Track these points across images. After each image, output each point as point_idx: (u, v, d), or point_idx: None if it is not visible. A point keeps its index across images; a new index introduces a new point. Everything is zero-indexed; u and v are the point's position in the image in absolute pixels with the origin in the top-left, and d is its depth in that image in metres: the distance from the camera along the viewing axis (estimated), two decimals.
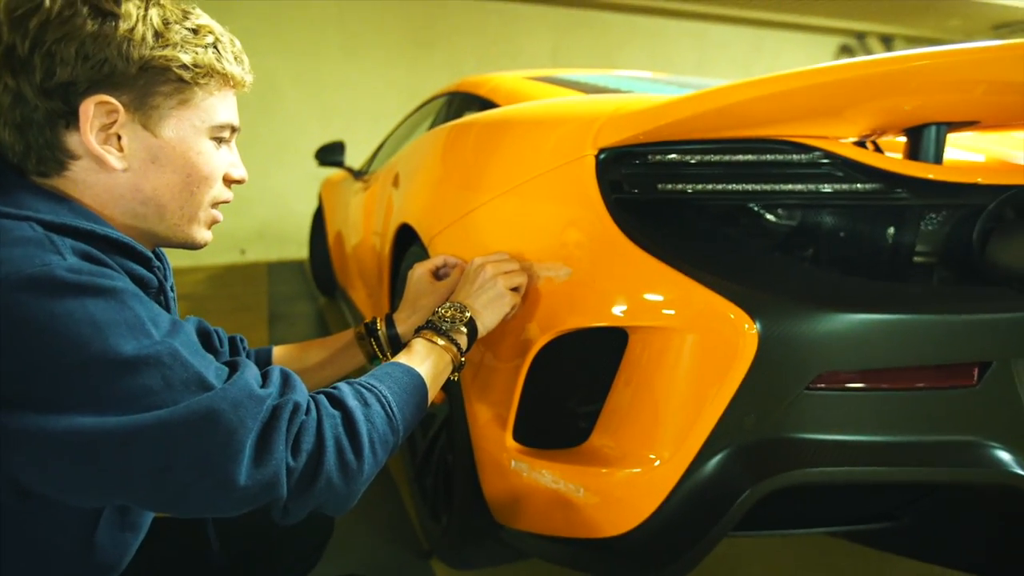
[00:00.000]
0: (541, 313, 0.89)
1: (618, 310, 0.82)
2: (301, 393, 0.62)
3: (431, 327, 0.83)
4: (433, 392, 0.78)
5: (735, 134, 0.85)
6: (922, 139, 0.85)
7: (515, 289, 0.90)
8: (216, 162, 0.69)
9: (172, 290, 0.72)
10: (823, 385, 0.80)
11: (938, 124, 0.85)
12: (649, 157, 0.86)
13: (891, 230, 0.86)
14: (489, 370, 0.98)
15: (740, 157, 0.85)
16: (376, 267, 1.86)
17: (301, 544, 0.95)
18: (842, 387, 0.81)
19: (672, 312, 0.80)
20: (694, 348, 0.79)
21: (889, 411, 0.82)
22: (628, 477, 0.84)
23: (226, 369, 0.60)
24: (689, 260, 0.81)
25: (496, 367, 0.96)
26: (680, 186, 0.84)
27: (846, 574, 1.33)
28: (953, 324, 0.79)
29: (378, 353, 0.98)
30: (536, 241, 0.91)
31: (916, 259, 0.86)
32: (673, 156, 0.86)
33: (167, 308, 0.69)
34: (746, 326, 0.77)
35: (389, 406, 0.68)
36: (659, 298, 0.80)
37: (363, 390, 0.68)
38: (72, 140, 0.60)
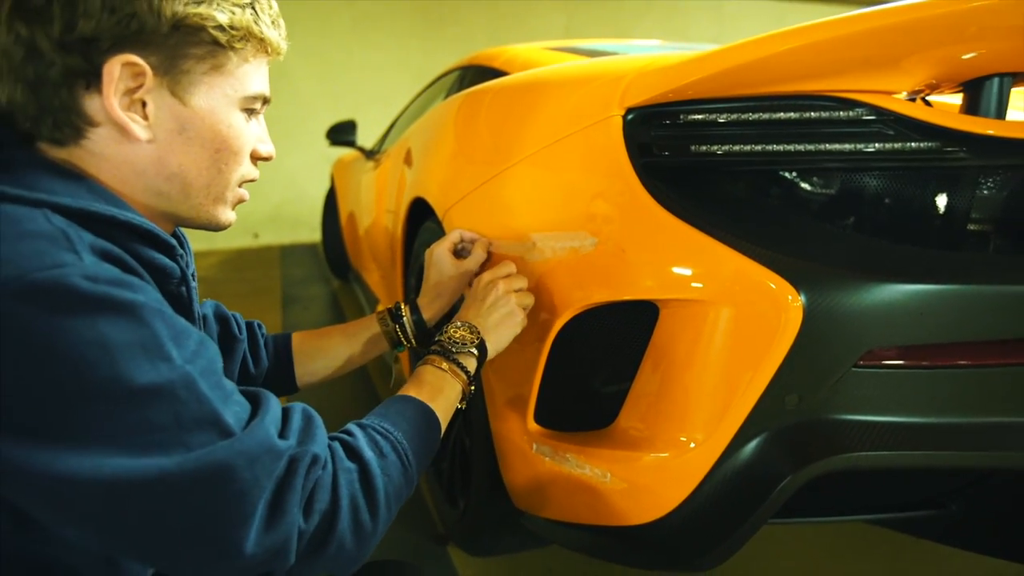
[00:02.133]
0: (564, 286, 0.83)
1: (648, 282, 0.76)
2: (320, 441, 0.56)
3: (441, 351, 0.77)
4: (444, 427, 0.73)
5: (775, 90, 0.77)
6: (982, 93, 0.78)
7: (524, 307, 0.86)
8: (246, 136, 0.62)
9: (193, 278, 0.66)
10: (873, 362, 0.74)
11: (1001, 76, 0.77)
12: (681, 117, 0.79)
13: (947, 193, 0.78)
14: (508, 348, 0.93)
15: (781, 115, 0.78)
16: (389, 246, 1.81)
17: None
18: (894, 364, 0.74)
19: (708, 283, 0.73)
20: (732, 322, 0.73)
21: (944, 390, 0.76)
22: (658, 462, 0.78)
23: (247, 407, 0.53)
24: (726, 227, 0.74)
25: (515, 345, 0.90)
26: (715, 147, 0.77)
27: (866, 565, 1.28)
28: (1016, 294, 0.72)
29: (403, 340, 0.94)
30: (558, 209, 0.85)
31: (974, 225, 0.78)
32: (707, 115, 0.79)
33: (189, 298, 0.62)
34: (790, 298, 0.70)
35: (405, 455, 0.63)
36: (693, 268, 0.74)
37: (378, 437, 0.62)
38: (92, 104, 0.53)
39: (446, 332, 0.79)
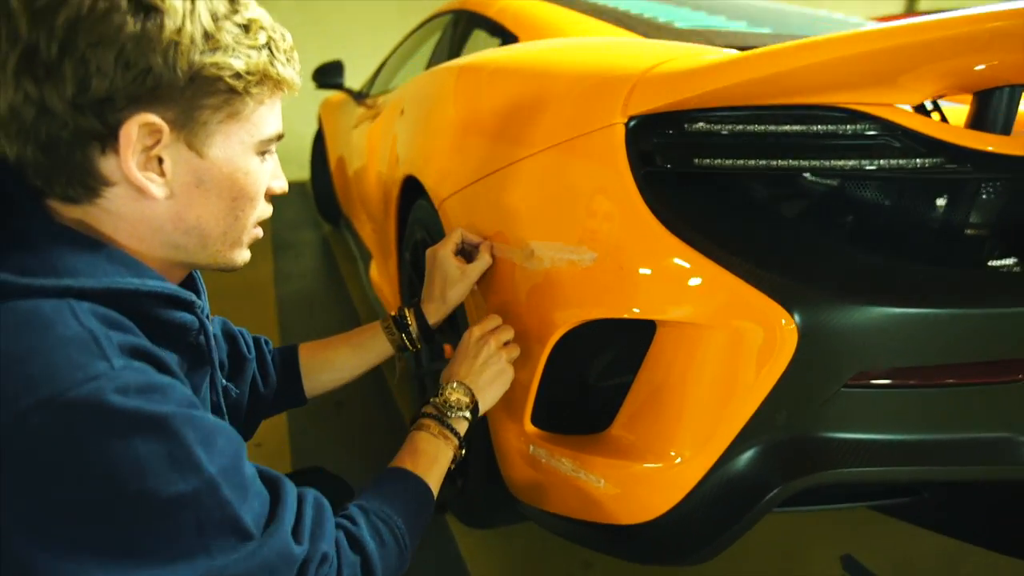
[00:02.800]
0: (563, 300, 0.83)
1: (645, 302, 0.76)
2: (329, 537, 0.58)
3: (437, 416, 0.78)
4: (437, 491, 0.75)
5: (783, 101, 0.75)
6: (991, 103, 0.76)
7: (512, 360, 0.87)
8: (263, 179, 0.61)
9: (208, 319, 0.65)
10: (862, 382, 0.76)
11: (1012, 87, 0.75)
12: (686, 126, 0.77)
13: (950, 208, 0.78)
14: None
15: (788, 127, 0.76)
16: (383, 212, 1.78)
17: None
18: (881, 384, 0.76)
19: (704, 307, 0.73)
20: (727, 345, 0.74)
21: (928, 408, 0.78)
22: (648, 472, 0.81)
23: (266, 501, 0.54)
24: (725, 247, 0.74)
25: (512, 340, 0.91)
26: (719, 160, 0.76)
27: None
28: (1004, 318, 0.73)
29: (408, 346, 0.94)
30: (558, 218, 0.84)
31: (975, 240, 0.78)
32: (711, 125, 0.76)
33: (207, 346, 0.62)
34: (784, 322, 0.71)
35: (403, 539, 0.66)
36: (691, 291, 0.74)
37: (379, 524, 0.65)
38: (108, 164, 0.51)
39: (442, 395, 0.80)
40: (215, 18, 0.52)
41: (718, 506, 0.79)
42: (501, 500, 1.10)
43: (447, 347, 1.48)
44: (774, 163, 0.75)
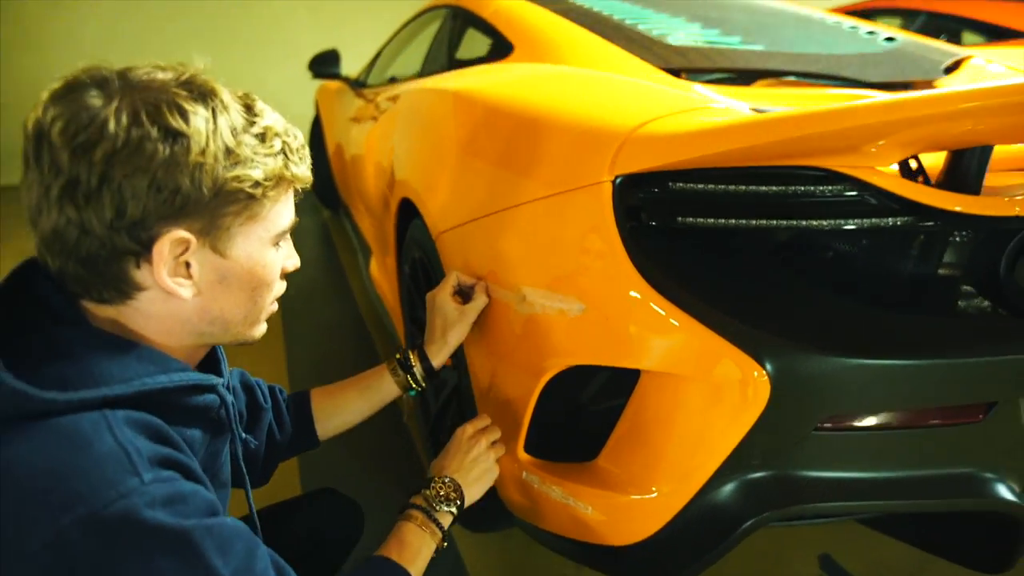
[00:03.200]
0: (552, 346, 0.88)
1: (628, 353, 0.81)
2: None
3: (425, 508, 0.82)
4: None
5: (763, 163, 0.79)
6: (963, 163, 0.80)
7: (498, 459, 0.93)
8: (278, 265, 0.66)
9: (229, 390, 0.70)
10: (830, 425, 0.81)
11: (981, 148, 0.79)
12: (669, 184, 0.81)
13: (917, 263, 0.83)
14: (501, 389, 0.99)
15: (768, 188, 0.80)
16: (381, 217, 1.82)
17: (331, 548, 0.99)
18: (848, 427, 0.82)
19: (683, 360, 0.79)
20: (705, 393, 0.79)
21: (892, 448, 0.84)
22: (631, 502, 0.87)
23: None
24: (704, 302, 0.79)
25: (508, 389, 0.96)
26: (701, 219, 0.80)
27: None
28: (965, 367, 0.79)
29: (413, 385, 1.00)
30: (549, 268, 0.88)
31: (941, 294, 0.83)
32: (695, 184, 0.80)
33: (228, 418, 0.68)
34: (756, 374, 0.76)
35: None
36: (670, 346, 0.79)
37: None
38: (141, 274, 0.56)
39: (432, 488, 0.84)
40: (234, 133, 0.57)
41: (695, 534, 0.86)
42: (498, 510, 1.16)
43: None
44: (754, 222, 0.79)
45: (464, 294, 1.02)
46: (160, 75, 0.56)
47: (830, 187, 0.79)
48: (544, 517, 0.98)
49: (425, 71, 2.28)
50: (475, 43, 2.08)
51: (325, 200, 3.93)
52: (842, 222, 0.79)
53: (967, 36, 3.22)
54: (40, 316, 0.56)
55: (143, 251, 0.55)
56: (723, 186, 0.80)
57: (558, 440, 0.99)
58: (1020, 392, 0.83)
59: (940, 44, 1.67)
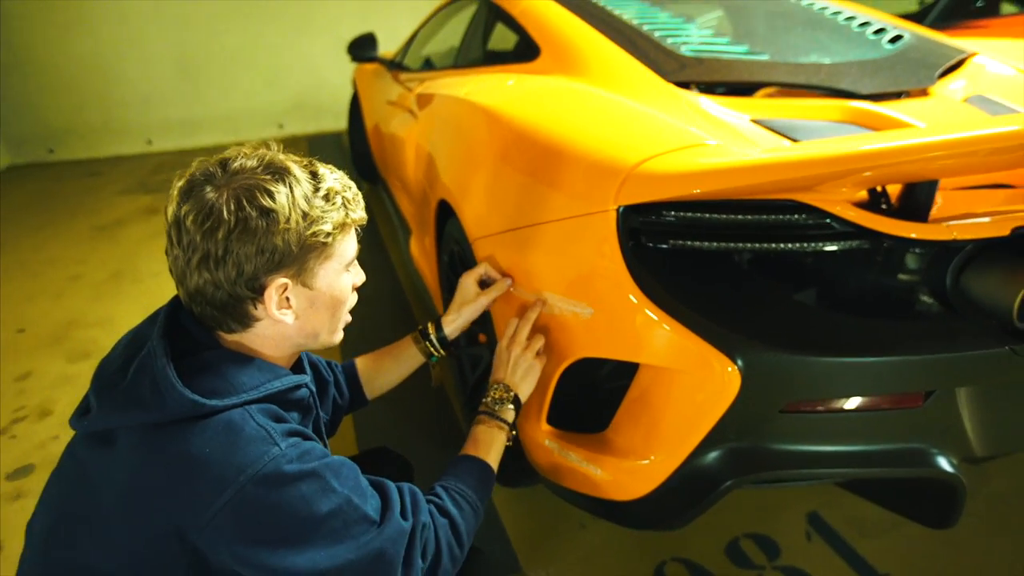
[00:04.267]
0: (567, 340, 1.08)
1: (628, 350, 1.01)
2: (424, 510, 0.85)
3: (488, 412, 1.04)
4: (496, 465, 1.01)
5: (744, 197, 0.96)
6: (915, 194, 0.96)
7: (539, 353, 1.11)
8: (350, 285, 0.87)
9: (312, 384, 0.91)
10: (794, 409, 1.00)
11: (930, 182, 0.94)
12: (664, 214, 0.98)
13: (876, 277, 0.99)
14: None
15: (746, 216, 0.96)
16: (421, 206, 2.01)
17: None
18: (809, 410, 1.00)
19: (672, 355, 0.98)
20: (689, 383, 0.98)
21: (847, 427, 1.02)
22: (632, 466, 1.08)
23: (378, 498, 0.80)
24: (687, 309, 0.97)
25: None
26: (687, 242, 0.98)
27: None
28: (904, 364, 0.96)
29: (434, 352, 1.22)
30: (566, 278, 1.07)
31: (896, 299, 1.00)
32: (684, 213, 0.98)
33: (314, 404, 0.90)
34: (730, 369, 0.95)
35: (475, 504, 0.92)
36: (660, 344, 0.98)
37: (457, 496, 0.91)
38: (257, 311, 0.78)
39: (489, 395, 1.07)
40: (307, 200, 0.77)
41: (683, 492, 1.06)
42: (526, 470, 1.39)
43: (481, 336, 1.75)
44: (733, 244, 0.97)
45: (487, 284, 1.23)
46: (247, 162, 0.77)
47: (798, 216, 0.95)
48: (563, 476, 1.20)
49: (460, 62, 2.43)
50: (506, 38, 2.22)
51: (364, 174, 4.14)
52: (808, 245, 0.96)
53: (1005, 5, 3.18)
54: (190, 344, 0.79)
55: (257, 296, 0.77)
56: (708, 214, 0.97)
57: (574, 415, 1.20)
58: (955, 383, 1.00)
59: (946, 42, 1.75)
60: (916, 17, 3.65)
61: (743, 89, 1.47)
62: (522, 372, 1.09)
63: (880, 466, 1.04)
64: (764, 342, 0.95)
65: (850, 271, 1.00)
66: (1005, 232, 0.95)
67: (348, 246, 0.85)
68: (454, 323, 1.22)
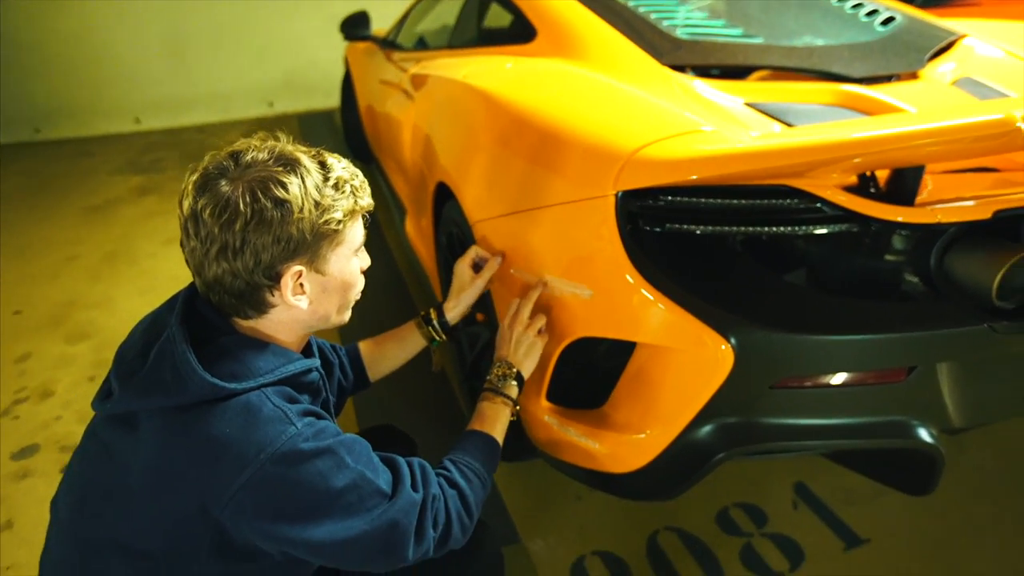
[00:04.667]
0: (567, 320, 1.12)
1: (625, 329, 1.05)
2: (434, 482, 0.88)
3: (492, 389, 1.08)
4: (502, 439, 1.04)
5: (737, 183, 0.99)
6: (903, 179, 1.00)
7: (540, 331, 1.14)
8: (358, 269, 0.90)
9: (321, 367, 0.94)
10: (783, 385, 1.05)
11: (915, 168, 0.98)
12: (660, 198, 1.02)
13: (864, 258, 1.03)
14: None
15: (740, 201, 1.00)
16: (418, 188, 2.03)
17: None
18: (798, 386, 1.05)
19: (668, 334, 1.02)
20: (685, 361, 1.03)
21: (834, 401, 1.07)
22: (628, 440, 1.13)
23: (388, 472, 0.83)
24: (683, 290, 1.01)
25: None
26: (683, 226, 1.01)
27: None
28: (892, 340, 1.00)
29: (435, 337, 1.26)
30: (567, 260, 1.11)
31: (883, 280, 1.04)
32: (680, 198, 1.01)
33: (323, 386, 0.93)
34: (723, 347, 0.99)
35: (483, 475, 0.96)
36: (656, 324, 1.02)
37: (465, 468, 0.95)
38: (272, 297, 0.81)
39: (493, 372, 1.10)
40: (318, 189, 0.80)
41: (677, 464, 1.11)
42: (524, 445, 1.44)
43: (479, 315, 1.79)
44: (727, 228, 1.00)
45: (480, 266, 1.27)
46: (259, 155, 0.80)
47: (790, 201, 0.99)
48: (562, 451, 1.25)
49: (455, 42, 2.43)
50: (501, 18, 2.22)
51: (357, 153, 4.12)
52: (799, 228, 1.00)
53: None
54: (207, 330, 0.82)
55: (274, 283, 0.80)
56: (703, 199, 1.00)
57: (572, 392, 1.25)
58: (936, 359, 1.05)
59: (936, 23, 1.78)
60: None
61: (737, 72, 1.50)
62: (524, 349, 1.13)
63: (864, 438, 1.09)
64: (756, 321, 0.99)
65: (839, 253, 1.04)
66: (987, 215, 0.99)
67: (357, 232, 0.88)
68: (455, 310, 1.26)
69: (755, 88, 1.43)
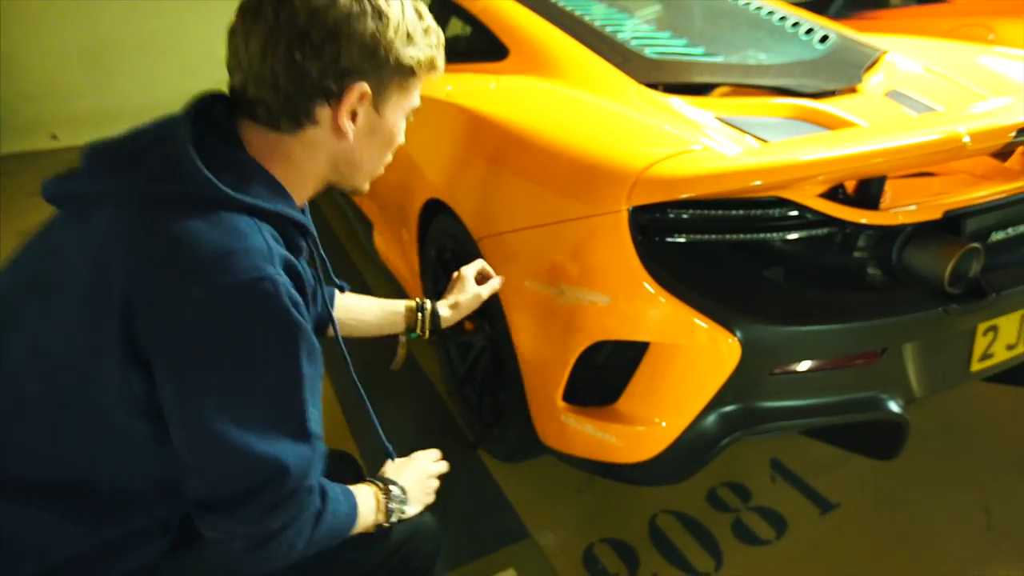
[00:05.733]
0: (587, 325, 1.21)
1: (640, 331, 1.16)
2: (319, 475, 0.75)
3: (385, 493, 0.90)
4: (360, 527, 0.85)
5: (736, 196, 1.12)
6: (867, 188, 1.15)
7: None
8: (402, 133, 0.83)
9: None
10: (779, 371, 1.18)
11: (879, 178, 1.14)
12: (669, 212, 1.13)
13: (841, 256, 1.19)
14: (545, 357, 1.32)
15: (738, 212, 1.13)
16: (396, 204, 2.07)
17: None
18: (792, 371, 1.19)
19: (680, 333, 1.13)
20: (696, 355, 1.15)
21: (820, 382, 1.22)
22: (643, 431, 1.24)
23: (319, 425, 0.72)
24: (695, 293, 1.13)
25: (550, 357, 1.30)
26: (691, 235, 1.13)
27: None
28: (868, 327, 1.16)
29: (416, 330, 1.18)
30: (583, 271, 1.20)
31: (852, 278, 1.20)
32: (686, 211, 1.13)
33: (319, 255, 0.84)
34: (731, 341, 1.12)
35: (336, 533, 0.80)
36: (670, 325, 1.13)
37: (330, 507, 0.78)
38: (323, 112, 0.73)
39: (391, 491, 0.91)
40: (412, 24, 0.76)
41: (688, 451, 1.23)
42: (528, 444, 1.53)
43: (467, 323, 1.85)
44: (728, 236, 1.13)
45: (484, 278, 1.25)
46: None
47: (779, 210, 1.13)
48: (577, 446, 1.34)
49: None
50: (463, 33, 2.30)
51: None
52: (788, 233, 1.14)
53: None
54: (214, 136, 0.72)
55: (337, 94, 0.72)
56: (706, 211, 1.13)
57: (584, 391, 1.34)
58: (904, 340, 1.22)
59: (861, 40, 1.99)
60: (815, 5, 4.00)
61: (700, 88, 1.64)
62: (423, 497, 0.97)
63: (845, 413, 1.25)
64: (758, 316, 1.12)
65: (821, 253, 1.19)
66: (938, 215, 1.16)
67: (417, 93, 0.82)
68: (451, 312, 1.19)
69: (720, 103, 1.57)
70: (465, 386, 1.86)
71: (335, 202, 3.75)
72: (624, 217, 1.13)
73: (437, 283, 1.88)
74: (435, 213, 1.75)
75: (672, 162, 1.13)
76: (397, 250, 2.26)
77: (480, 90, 1.71)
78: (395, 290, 2.77)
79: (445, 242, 1.70)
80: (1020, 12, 2.98)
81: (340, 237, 3.31)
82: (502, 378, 1.54)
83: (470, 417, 1.85)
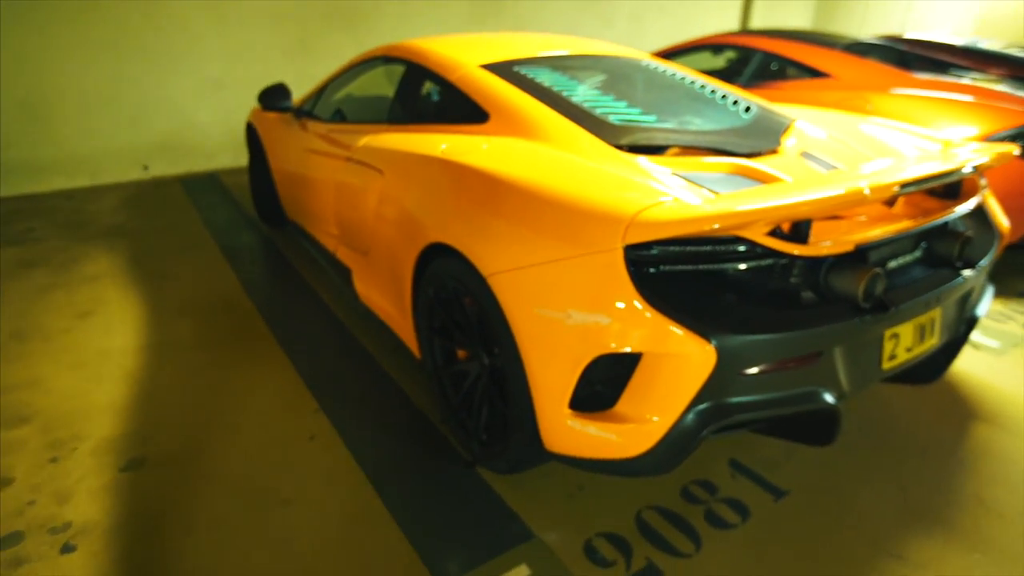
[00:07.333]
0: (591, 341, 1.48)
1: (635, 344, 1.43)
2: None
3: None
4: None
5: (706, 235, 1.43)
6: (798, 227, 1.50)
7: None
8: None
9: None
10: (745, 372, 1.49)
11: (806, 220, 1.49)
12: (656, 249, 1.43)
13: (784, 280, 1.52)
14: (553, 371, 1.57)
15: (707, 247, 1.44)
16: (386, 250, 2.28)
17: None
18: (754, 372, 1.50)
19: (668, 344, 1.42)
20: (681, 362, 1.43)
21: (776, 380, 1.54)
22: (639, 427, 1.50)
23: None
24: (679, 311, 1.42)
25: (558, 371, 1.55)
26: (673, 265, 1.44)
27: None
28: (809, 334, 1.49)
29: None
30: (588, 297, 1.48)
31: (796, 295, 1.54)
32: (669, 248, 1.43)
33: None
34: (707, 349, 1.41)
35: None
36: (660, 337, 1.42)
37: None
38: None
39: None
40: None
41: (674, 444, 1.50)
42: (532, 454, 1.75)
43: (460, 352, 2.08)
44: (702, 266, 1.44)
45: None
46: None
47: (737, 245, 1.45)
48: (582, 447, 1.59)
49: (395, 118, 2.73)
50: (442, 98, 2.58)
51: (266, 218, 4.18)
52: (744, 263, 1.46)
53: (791, 71, 4.19)
54: None
55: None
56: (682, 247, 1.43)
57: (588, 402, 1.60)
58: (833, 345, 1.56)
59: (775, 109, 2.44)
60: (725, 73, 4.61)
61: (656, 149, 1.99)
62: None
63: (793, 405, 1.56)
64: (728, 328, 1.42)
65: (770, 277, 1.52)
66: (851, 248, 1.52)
67: None
68: None
69: (673, 161, 1.92)
70: (460, 411, 2.07)
71: (304, 250, 3.88)
72: (620, 254, 1.42)
73: (432, 319, 2.10)
74: (434, 256, 1.99)
75: (656, 209, 1.44)
76: (384, 291, 2.46)
77: (474, 148, 1.99)
78: (373, 327, 2.94)
79: (446, 281, 1.93)
80: (887, 88, 3.64)
81: (310, 282, 3.44)
82: (505, 396, 1.77)
83: (466, 439, 2.05)
